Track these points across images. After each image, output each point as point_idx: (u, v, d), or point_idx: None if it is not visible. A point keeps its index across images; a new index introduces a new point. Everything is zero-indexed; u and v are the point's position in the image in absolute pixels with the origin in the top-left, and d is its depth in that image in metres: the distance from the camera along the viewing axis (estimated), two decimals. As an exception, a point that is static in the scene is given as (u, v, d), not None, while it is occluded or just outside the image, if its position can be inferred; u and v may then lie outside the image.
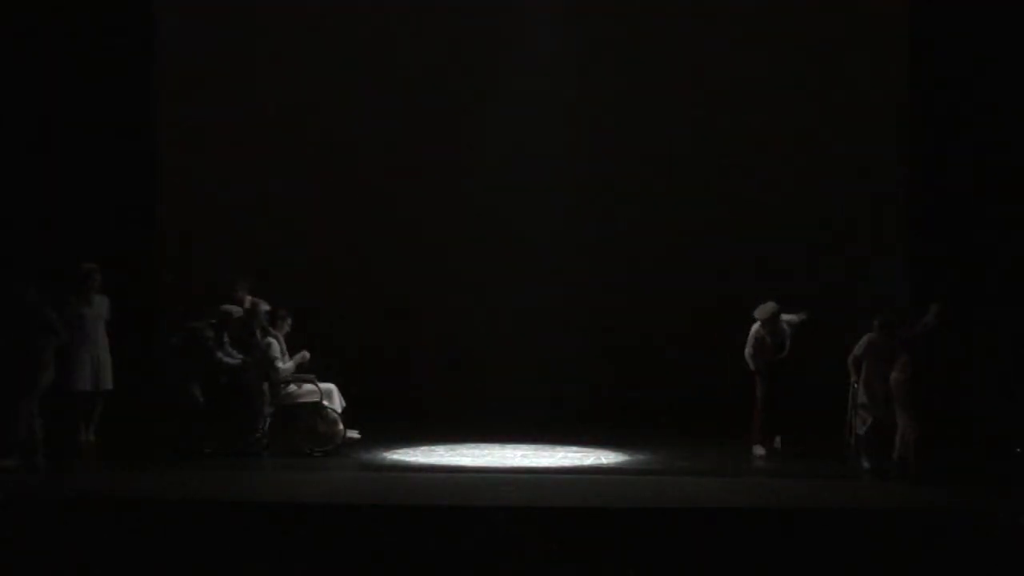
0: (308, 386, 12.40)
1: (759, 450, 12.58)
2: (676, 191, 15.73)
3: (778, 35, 15.69)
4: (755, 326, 12.70)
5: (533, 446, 12.84)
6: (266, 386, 12.38)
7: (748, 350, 12.72)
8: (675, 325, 15.42)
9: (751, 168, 15.67)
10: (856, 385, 11.70)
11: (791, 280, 15.05)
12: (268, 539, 8.86)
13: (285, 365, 12.42)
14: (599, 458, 12.36)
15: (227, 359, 12.39)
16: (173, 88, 15.72)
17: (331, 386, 12.58)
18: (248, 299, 12.88)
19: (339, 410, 12.49)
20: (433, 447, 12.74)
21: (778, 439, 12.70)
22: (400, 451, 12.49)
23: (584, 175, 15.75)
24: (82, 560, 8.56)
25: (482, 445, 12.93)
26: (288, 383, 12.43)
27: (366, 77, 15.81)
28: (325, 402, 12.39)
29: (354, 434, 12.56)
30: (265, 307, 12.68)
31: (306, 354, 12.55)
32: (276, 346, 12.47)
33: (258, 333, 12.54)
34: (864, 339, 11.70)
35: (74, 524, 9.04)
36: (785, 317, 12.74)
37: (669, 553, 8.82)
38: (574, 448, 12.82)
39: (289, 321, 12.73)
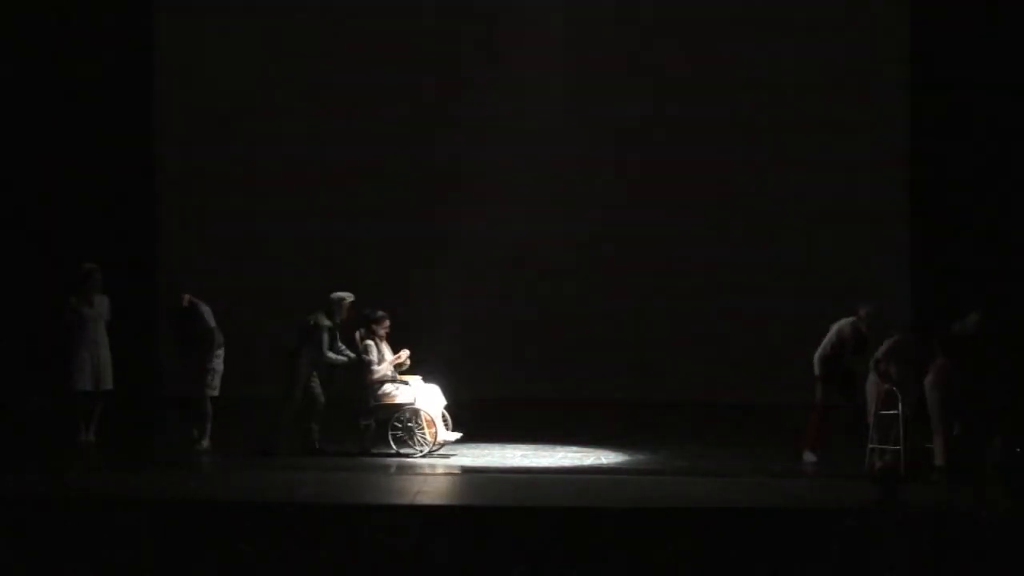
0: (404, 387, 12.29)
1: (810, 456, 12.01)
2: (675, 193, 15.74)
3: (780, 37, 15.71)
4: (842, 325, 11.94)
5: (533, 446, 12.83)
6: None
7: (827, 350, 11.91)
8: (675, 325, 15.44)
9: (751, 170, 15.68)
10: (893, 388, 11.42)
11: (793, 281, 15.08)
12: (268, 539, 8.86)
13: (380, 366, 12.34)
14: (599, 458, 12.36)
15: (333, 356, 12.35)
16: (173, 87, 15.74)
17: (433, 387, 12.44)
18: (186, 297, 12.62)
19: (436, 412, 12.30)
20: (433, 447, 12.72)
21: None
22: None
23: (585, 177, 15.76)
24: (81, 560, 8.56)
25: (482, 445, 12.92)
26: (383, 383, 12.35)
27: (367, 75, 15.81)
28: (419, 404, 12.24)
29: (451, 436, 12.35)
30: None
31: (404, 354, 12.44)
32: (373, 348, 12.37)
33: (358, 334, 12.46)
34: (887, 343, 11.55)
35: (74, 524, 9.04)
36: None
37: (669, 553, 8.81)
38: (574, 448, 12.82)
39: (387, 323, 12.52)
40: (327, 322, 12.37)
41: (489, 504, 9.80)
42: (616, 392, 15.20)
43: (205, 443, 12.41)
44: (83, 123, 15.16)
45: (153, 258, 15.61)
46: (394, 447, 12.13)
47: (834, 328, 12.03)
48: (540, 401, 14.86)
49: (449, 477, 11.31)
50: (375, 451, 12.22)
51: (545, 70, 15.74)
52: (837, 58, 15.68)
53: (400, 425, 12.22)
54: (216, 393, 12.46)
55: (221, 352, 12.52)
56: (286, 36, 15.86)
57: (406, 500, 10.00)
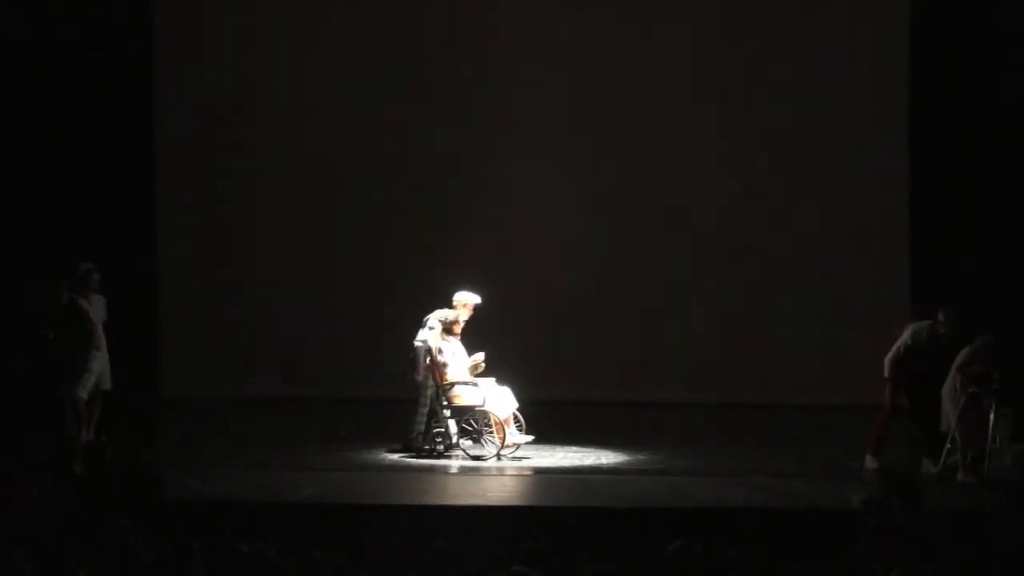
0: (474, 389, 12.23)
1: (872, 462, 11.52)
2: (673, 194, 15.72)
3: (781, 37, 15.71)
4: (918, 327, 11.47)
5: (533, 446, 12.82)
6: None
7: (900, 352, 11.43)
8: (675, 324, 15.44)
9: (750, 169, 15.67)
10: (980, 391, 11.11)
11: (794, 282, 15.10)
12: (268, 539, 8.85)
13: (453, 367, 12.29)
14: (599, 458, 12.36)
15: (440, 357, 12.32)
16: (173, 85, 15.73)
17: (505, 389, 12.34)
18: (65, 295, 12.10)
19: (506, 414, 12.17)
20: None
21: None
22: (400, 451, 12.45)
23: (589, 180, 15.72)
24: (80, 559, 8.55)
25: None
26: (454, 384, 12.28)
27: (366, 74, 15.78)
28: (488, 406, 12.14)
29: (522, 438, 12.23)
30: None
31: (479, 356, 12.39)
32: (447, 348, 12.31)
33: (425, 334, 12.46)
34: (970, 347, 11.18)
35: (73, 524, 9.03)
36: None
37: (669, 553, 8.80)
38: (574, 448, 12.81)
39: (462, 324, 12.46)
40: (446, 318, 12.38)
41: (489, 504, 9.80)
42: (616, 392, 15.19)
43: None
44: (82, 122, 15.14)
45: (153, 258, 15.59)
46: (463, 450, 12.09)
47: (908, 330, 11.58)
48: (540, 401, 14.83)
49: (449, 477, 11.30)
50: (447, 453, 12.18)
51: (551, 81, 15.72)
52: (836, 58, 15.67)
53: (469, 427, 12.15)
54: (86, 396, 12.10)
55: (98, 353, 12.17)
56: (286, 32, 15.82)
57: (406, 500, 10.02)
